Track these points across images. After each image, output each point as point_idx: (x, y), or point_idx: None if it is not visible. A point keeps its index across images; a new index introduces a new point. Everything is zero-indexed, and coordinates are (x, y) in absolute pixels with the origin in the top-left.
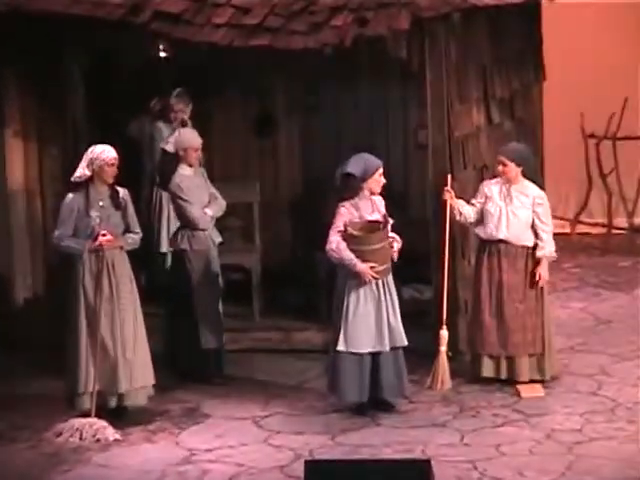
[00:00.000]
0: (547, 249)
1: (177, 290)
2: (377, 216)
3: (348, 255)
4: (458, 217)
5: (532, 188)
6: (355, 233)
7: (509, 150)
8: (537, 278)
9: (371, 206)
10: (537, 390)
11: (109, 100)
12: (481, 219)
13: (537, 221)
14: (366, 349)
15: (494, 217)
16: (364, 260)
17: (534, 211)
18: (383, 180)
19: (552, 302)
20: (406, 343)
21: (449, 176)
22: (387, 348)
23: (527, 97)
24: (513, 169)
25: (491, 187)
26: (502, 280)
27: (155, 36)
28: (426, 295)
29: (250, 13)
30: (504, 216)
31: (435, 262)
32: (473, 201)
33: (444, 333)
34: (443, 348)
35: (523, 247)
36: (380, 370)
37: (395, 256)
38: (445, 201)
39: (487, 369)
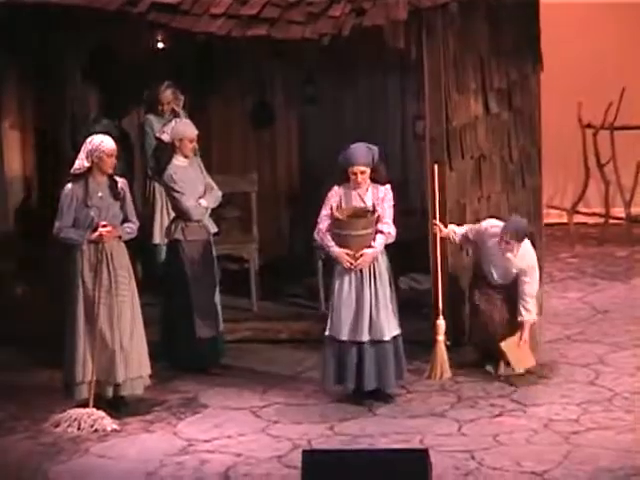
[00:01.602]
0: (531, 315)
1: (172, 280)
2: (367, 204)
3: (328, 240)
4: (456, 242)
5: (526, 257)
6: (339, 217)
7: (512, 232)
8: (522, 341)
9: (362, 194)
10: (528, 360)
11: (106, 92)
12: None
13: (523, 290)
14: (343, 337)
15: (489, 265)
16: (343, 245)
17: (521, 279)
18: (358, 179)
19: (549, 292)
20: (387, 338)
21: (435, 166)
22: (364, 339)
23: (525, 87)
24: (515, 247)
25: (491, 241)
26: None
27: (153, 27)
28: (424, 285)
29: (248, 3)
30: (499, 270)
31: (433, 252)
32: (467, 229)
33: (441, 322)
34: (441, 337)
35: None
36: (362, 361)
37: (373, 250)
38: (435, 235)
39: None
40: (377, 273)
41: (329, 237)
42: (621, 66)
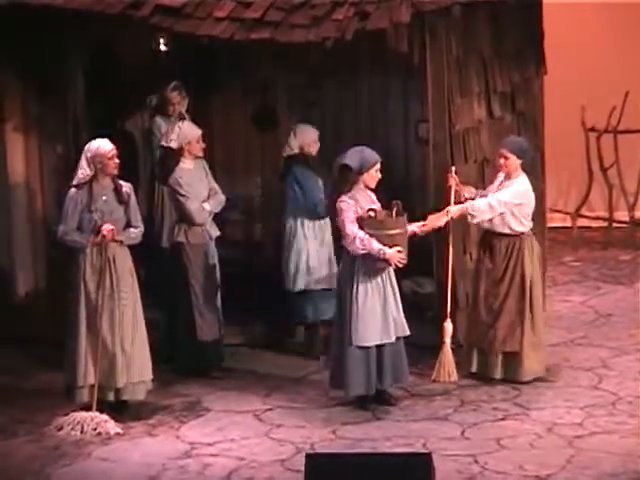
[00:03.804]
0: (476, 206)
1: (174, 283)
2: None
3: (376, 245)
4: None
5: (521, 179)
6: (381, 218)
7: (510, 143)
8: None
9: (368, 198)
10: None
11: (109, 95)
12: None
13: (495, 192)
14: (373, 342)
15: None
16: (391, 246)
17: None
18: (379, 176)
19: (552, 296)
20: (408, 333)
21: (453, 168)
22: (393, 339)
23: (528, 91)
24: (514, 162)
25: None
26: (482, 274)
27: (156, 30)
28: (427, 289)
29: (251, 7)
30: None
31: (437, 255)
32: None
33: (448, 325)
34: (447, 340)
35: (511, 236)
36: (383, 361)
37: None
38: (450, 187)
39: (475, 364)
40: (390, 273)
41: (375, 241)
42: (625, 70)
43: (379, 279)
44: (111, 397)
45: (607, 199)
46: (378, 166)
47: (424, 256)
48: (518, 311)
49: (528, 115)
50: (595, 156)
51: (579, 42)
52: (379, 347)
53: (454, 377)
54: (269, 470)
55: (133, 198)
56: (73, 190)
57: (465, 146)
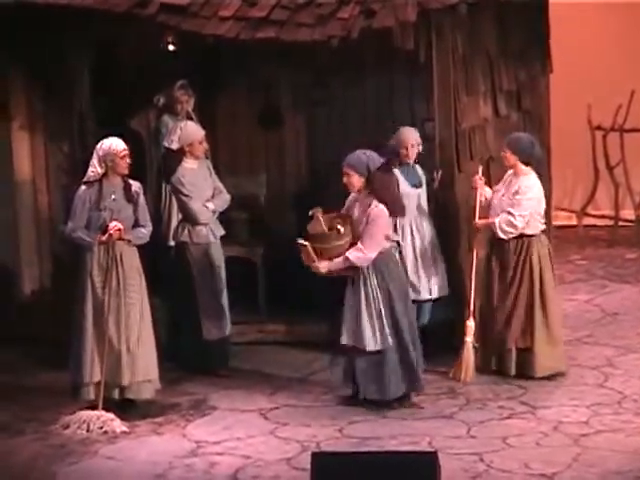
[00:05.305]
0: (500, 220)
1: (179, 282)
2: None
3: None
4: (483, 203)
5: (525, 179)
6: (310, 214)
7: (509, 139)
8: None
9: (353, 203)
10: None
11: (115, 94)
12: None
13: (513, 205)
14: (341, 340)
15: (495, 208)
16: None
17: (514, 198)
18: (344, 180)
19: (558, 294)
20: (370, 348)
21: (480, 168)
22: (344, 342)
23: (534, 89)
24: (510, 158)
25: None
26: (495, 273)
27: (161, 29)
28: None
29: (256, 6)
30: (498, 206)
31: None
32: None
33: (471, 324)
34: (469, 339)
35: (520, 237)
36: (354, 368)
37: (321, 267)
38: (476, 189)
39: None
40: (368, 281)
41: None
42: (631, 68)
43: (357, 282)
44: (116, 395)
45: (613, 197)
46: (343, 170)
47: None
48: (529, 308)
49: (534, 113)
50: (601, 154)
51: (585, 40)
52: (353, 354)
53: (471, 378)
54: (275, 468)
55: (142, 197)
56: (83, 188)
57: (471, 144)
